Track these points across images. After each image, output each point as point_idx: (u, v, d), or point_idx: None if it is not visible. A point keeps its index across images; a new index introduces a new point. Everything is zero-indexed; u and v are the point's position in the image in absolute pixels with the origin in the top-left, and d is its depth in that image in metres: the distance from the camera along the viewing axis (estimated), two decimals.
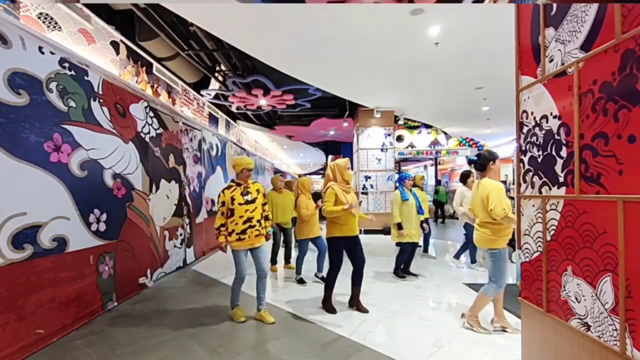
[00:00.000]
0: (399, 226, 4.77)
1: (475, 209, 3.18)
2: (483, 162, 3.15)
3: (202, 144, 6.76)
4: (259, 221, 3.36)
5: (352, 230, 3.56)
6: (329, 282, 3.71)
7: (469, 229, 5.33)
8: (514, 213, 2.77)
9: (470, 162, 3.42)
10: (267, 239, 3.49)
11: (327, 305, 3.68)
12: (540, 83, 2.06)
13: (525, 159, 2.21)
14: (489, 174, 3.14)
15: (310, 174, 30.18)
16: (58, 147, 3.07)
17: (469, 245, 5.52)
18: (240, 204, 3.27)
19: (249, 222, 3.29)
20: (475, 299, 3.19)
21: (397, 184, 5.21)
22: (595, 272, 1.66)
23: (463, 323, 3.22)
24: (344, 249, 3.62)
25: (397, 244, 5.05)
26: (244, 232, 3.26)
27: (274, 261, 5.58)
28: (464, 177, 5.60)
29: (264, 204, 3.49)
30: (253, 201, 3.35)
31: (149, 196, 4.61)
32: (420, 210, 4.94)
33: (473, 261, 5.58)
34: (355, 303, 3.72)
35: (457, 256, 5.92)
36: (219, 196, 3.33)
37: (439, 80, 6.84)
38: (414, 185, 5.50)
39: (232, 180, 3.45)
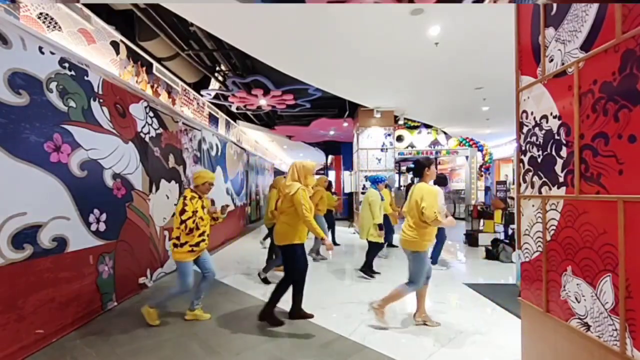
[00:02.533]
0: (380, 227, 4.95)
1: (408, 212, 3.28)
2: (420, 168, 3.30)
3: (202, 144, 6.76)
4: (208, 235, 3.42)
5: (305, 237, 3.39)
6: (301, 288, 3.44)
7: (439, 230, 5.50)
8: (447, 217, 3.05)
9: (408, 169, 3.56)
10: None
11: (273, 318, 3.34)
12: (540, 83, 2.06)
13: (525, 159, 2.21)
14: (425, 179, 3.27)
15: None
16: (58, 147, 3.07)
17: (440, 245, 5.59)
18: (201, 218, 3.27)
19: (202, 236, 3.31)
20: (390, 292, 3.26)
21: (371, 185, 5.39)
22: (595, 272, 1.66)
23: (369, 309, 3.31)
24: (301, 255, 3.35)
25: (370, 243, 5.11)
26: (197, 244, 3.27)
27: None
28: (440, 181, 5.83)
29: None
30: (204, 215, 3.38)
31: (149, 196, 4.60)
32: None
33: (434, 262, 5.57)
34: (299, 312, 3.47)
35: (434, 261, 5.66)
36: (185, 204, 3.18)
37: (439, 80, 6.84)
38: (386, 186, 6.02)
39: (193, 190, 3.37)
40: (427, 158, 3.37)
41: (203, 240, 3.34)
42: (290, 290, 3.39)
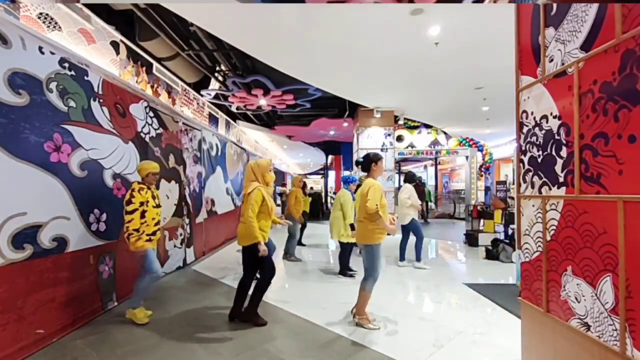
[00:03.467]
0: (352, 226, 4.94)
1: (359, 207, 3.36)
2: (367, 163, 3.40)
3: (202, 144, 6.76)
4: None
5: (267, 237, 3.32)
6: (264, 289, 3.34)
7: (417, 226, 5.74)
8: (395, 220, 3.22)
9: (357, 163, 3.65)
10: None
11: (257, 319, 3.30)
12: (540, 83, 2.06)
13: (525, 159, 2.21)
14: (372, 175, 3.38)
15: (310, 174, 30.17)
16: (58, 147, 3.07)
17: (420, 243, 5.69)
18: (153, 207, 3.37)
19: (157, 225, 3.43)
20: (357, 298, 3.33)
21: (343, 185, 5.47)
22: (595, 272, 1.66)
23: (356, 322, 3.29)
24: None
25: (342, 244, 5.15)
26: (154, 233, 3.39)
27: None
28: (409, 178, 6.16)
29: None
30: (160, 206, 3.49)
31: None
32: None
33: (417, 259, 5.69)
34: (251, 315, 3.32)
35: (418, 259, 5.69)
36: (132, 196, 3.21)
37: (439, 80, 6.84)
38: (358, 186, 5.99)
39: (140, 182, 3.40)
40: (375, 154, 3.45)
41: (159, 229, 3.45)
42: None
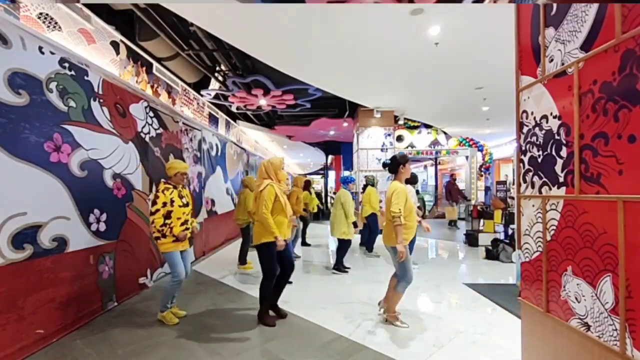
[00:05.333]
0: (355, 224, 5.35)
1: (386, 209, 3.33)
2: (394, 165, 3.29)
3: (202, 144, 6.76)
4: (193, 225, 3.47)
5: (283, 235, 3.27)
6: (264, 292, 3.35)
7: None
8: (423, 219, 3.07)
9: (384, 165, 3.61)
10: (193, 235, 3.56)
11: (266, 319, 3.33)
12: (540, 83, 2.06)
13: (525, 159, 2.21)
14: (399, 177, 3.28)
15: (310, 174, 30.17)
16: (58, 147, 3.07)
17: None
18: (179, 206, 3.31)
19: (185, 225, 3.36)
20: (387, 293, 3.34)
21: (343, 185, 5.76)
22: (595, 272, 1.66)
23: (385, 318, 3.32)
24: (275, 254, 3.28)
25: (341, 241, 5.37)
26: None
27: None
28: (412, 179, 6.28)
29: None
30: (187, 205, 3.42)
31: (149, 196, 4.60)
32: None
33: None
34: (273, 307, 3.47)
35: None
36: (157, 196, 3.23)
37: (439, 80, 6.84)
38: (364, 186, 7.03)
39: (166, 182, 3.38)
40: (402, 156, 3.34)
41: (187, 229, 3.37)
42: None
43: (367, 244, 6.68)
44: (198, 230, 3.61)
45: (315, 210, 8.71)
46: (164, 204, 3.23)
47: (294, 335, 3.11)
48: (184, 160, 5.80)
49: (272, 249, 3.23)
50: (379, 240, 6.78)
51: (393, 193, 3.11)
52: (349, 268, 5.41)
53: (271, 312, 3.45)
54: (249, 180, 5.63)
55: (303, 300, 4.02)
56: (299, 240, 6.69)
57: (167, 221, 3.23)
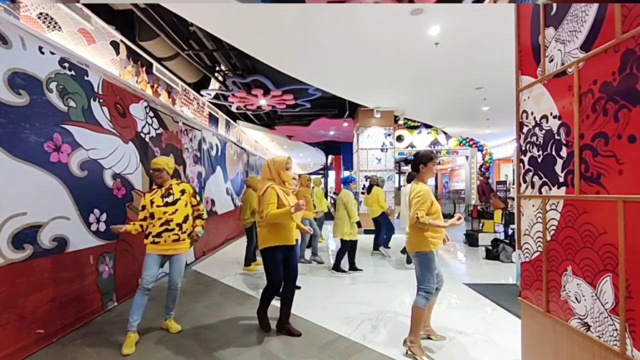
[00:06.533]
0: (359, 224, 5.33)
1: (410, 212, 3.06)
2: (415, 163, 2.94)
3: (202, 144, 6.76)
4: (179, 224, 3.09)
5: (288, 239, 3.06)
6: (265, 297, 3.23)
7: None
8: (451, 217, 2.83)
9: (406, 162, 3.46)
10: (194, 240, 3.29)
11: (260, 321, 3.25)
12: (540, 83, 2.06)
13: (525, 159, 2.21)
14: (422, 177, 2.91)
15: (310, 173, 30.19)
16: (58, 147, 3.07)
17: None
18: (158, 206, 3.04)
19: (165, 225, 3.03)
20: (411, 320, 2.79)
21: (344, 186, 5.68)
22: (595, 272, 1.66)
23: (406, 352, 2.79)
24: (281, 260, 3.09)
25: (343, 242, 5.33)
26: (159, 235, 3.03)
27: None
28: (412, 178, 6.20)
29: (195, 205, 3.28)
30: (174, 203, 3.09)
31: None
32: None
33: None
34: (284, 325, 3.16)
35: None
36: (141, 201, 3.14)
37: (439, 80, 6.84)
38: (378, 184, 6.97)
39: (154, 183, 3.24)
40: (424, 153, 2.94)
41: (167, 230, 3.02)
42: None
43: (382, 241, 6.58)
44: (200, 236, 3.37)
45: (326, 210, 8.32)
46: (143, 207, 3.10)
47: (294, 335, 3.11)
48: (183, 160, 5.80)
49: (277, 254, 3.06)
50: (393, 243, 6.81)
51: (414, 196, 2.79)
52: (360, 270, 5.36)
53: (277, 324, 3.23)
54: (252, 180, 5.61)
55: (303, 301, 4.02)
56: (317, 242, 6.29)
57: (150, 222, 3.08)
